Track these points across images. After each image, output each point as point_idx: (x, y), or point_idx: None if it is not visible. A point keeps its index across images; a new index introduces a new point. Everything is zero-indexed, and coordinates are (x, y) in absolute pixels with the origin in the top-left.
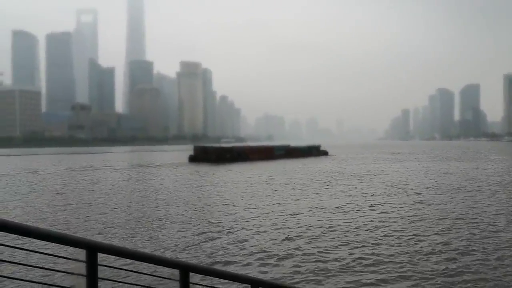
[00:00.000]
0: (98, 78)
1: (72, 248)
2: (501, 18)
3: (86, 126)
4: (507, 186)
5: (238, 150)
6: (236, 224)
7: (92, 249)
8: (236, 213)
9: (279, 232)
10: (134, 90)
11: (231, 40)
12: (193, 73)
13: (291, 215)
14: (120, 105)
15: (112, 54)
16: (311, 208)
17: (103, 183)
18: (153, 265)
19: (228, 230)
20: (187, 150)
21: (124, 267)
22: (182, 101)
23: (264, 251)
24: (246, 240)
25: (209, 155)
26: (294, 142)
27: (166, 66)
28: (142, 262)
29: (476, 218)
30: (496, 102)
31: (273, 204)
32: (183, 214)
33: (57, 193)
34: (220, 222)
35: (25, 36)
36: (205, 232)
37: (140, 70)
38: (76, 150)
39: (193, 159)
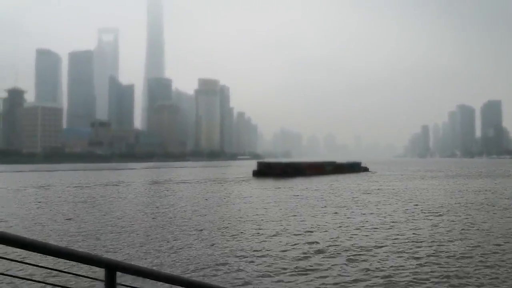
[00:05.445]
0: (118, 95)
1: None
2: None
3: (105, 142)
4: None
5: (296, 166)
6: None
7: None
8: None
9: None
10: (153, 107)
11: (249, 55)
12: (211, 90)
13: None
14: (138, 121)
15: (132, 71)
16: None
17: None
18: (75, 263)
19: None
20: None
21: (40, 264)
22: (199, 117)
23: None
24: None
25: (273, 170)
26: (312, 159)
27: (184, 83)
28: (57, 259)
29: None
30: None
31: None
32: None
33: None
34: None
35: (49, 54)
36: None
37: (159, 87)
38: (98, 166)
39: (257, 173)
